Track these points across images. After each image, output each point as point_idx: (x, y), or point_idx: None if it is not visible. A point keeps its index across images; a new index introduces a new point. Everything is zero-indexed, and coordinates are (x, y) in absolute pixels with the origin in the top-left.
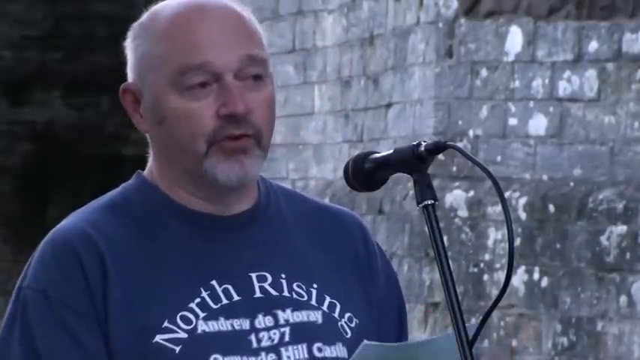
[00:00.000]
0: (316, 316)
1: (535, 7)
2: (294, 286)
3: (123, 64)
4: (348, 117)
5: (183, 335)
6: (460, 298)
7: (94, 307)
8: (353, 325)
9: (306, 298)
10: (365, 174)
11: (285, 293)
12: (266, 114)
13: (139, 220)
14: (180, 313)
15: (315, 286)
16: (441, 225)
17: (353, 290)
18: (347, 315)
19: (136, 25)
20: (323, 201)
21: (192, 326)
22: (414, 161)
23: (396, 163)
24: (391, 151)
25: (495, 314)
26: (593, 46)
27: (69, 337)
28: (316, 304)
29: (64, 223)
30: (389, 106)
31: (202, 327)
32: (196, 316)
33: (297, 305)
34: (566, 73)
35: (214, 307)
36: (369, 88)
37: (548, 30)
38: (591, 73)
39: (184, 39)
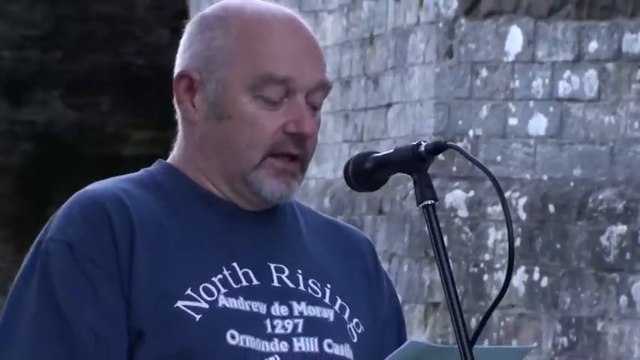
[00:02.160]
0: (328, 314)
1: (535, 7)
2: (310, 282)
3: (123, 64)
4: (348, 117)
5: (205, 305)
6: (460, 298)
7: (119, 266)
8: (360, 330)
9: (320, 295)
10: (365, 174)
11: (301, 287)
12: (315, 140)
13: (166, 197)
14: (203, 284)
15: (328, 286)
16: (441, 225)
17: (361, 300)
18: (355, 320)
19: (208, 15)
20: (333, 218)
21: (213, 298)
22: (414, 161)
23: (396, 163)
24: (391, 151)
25: (495, 314)
26: (593, 46)
27: (91, 292)
28: (329, 303)
29: (90, 186)
30: (389, 106)
31: (223, 301)
32: (218, 290)
33: (312, 300)
34: (566, 73)
35: (235, 286)
36: (369, 88)
37: (548, 30)
38: (591, 73)
39: (272, 47)
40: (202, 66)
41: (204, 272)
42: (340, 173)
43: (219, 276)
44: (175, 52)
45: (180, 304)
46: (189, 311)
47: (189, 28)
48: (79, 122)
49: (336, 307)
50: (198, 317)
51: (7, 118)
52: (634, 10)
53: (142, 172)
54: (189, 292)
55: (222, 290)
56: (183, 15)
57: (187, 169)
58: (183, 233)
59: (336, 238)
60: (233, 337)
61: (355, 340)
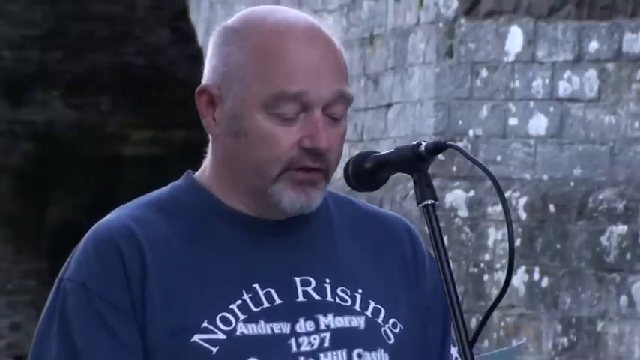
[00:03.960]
0: (359, 322)
1: (535, 7)
2: (339, 290)
3: (123, 64)
4: (348, 117)
5: (222, 336)
6: (460, 298)
7: (132, 302)
8: (397, 330)
9: (349, 303)
10: (365, 174)
11: (329, 298)
12: (339, 150)
13: (185, 219)
14: (220, 314)
15: (359, 291)
16: (441, 225)
17: (399, 296)
18: (391, 320)
19: (228, 28)
20: (373, 206)
21: (231, 327)
22: (414, 161)
23: (396, 163)
24: (391, 151)
25: (495, 314)
26: (593, 46)
27: (106, 332)
28: (360, 309)
29: (108, 217)
30: (389, 106)
31: (241, 329)
32: (236, 317)
33: (340, 310)
34: (566, 73)
35: (255, 309)
36: (369, 88)
37: (548, 30)
38: (591, 73)
39: (284, 64)
40: (220, 80)
41: (221, 300)
42: (340, 173)
43: (239, 301)
44: (175, 52)
45: (196, 337)
46: (205, 344)
47: (212, 39)
48: (79, 122)
49: (369, 312)
50: (214, 350)
51: (7, 118)
52: (634, 10)
53: (168, 188)
54: (205, 324)
55: (241, 317)
56: (183, 15)
57: (212, 183)
58: (201, 258)
59: (371, 231)
60: None
61: (392, 342)
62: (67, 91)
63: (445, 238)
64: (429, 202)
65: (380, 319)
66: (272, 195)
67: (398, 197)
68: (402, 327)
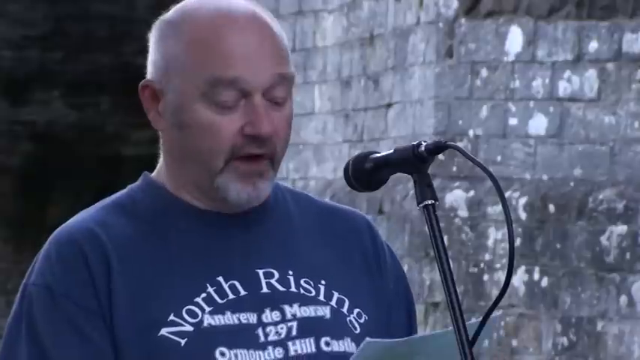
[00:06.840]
0: (324, 311)
1: (535, 7)
2: (302, 282)
3: (123, 64)
4: (348, 117)
5: (189, 328)
6: (460, 298)
7: (99, 301)
8: (362, 320)
9: (313, 293)
10: (365, 174)
11: (293, 289)
12: (285, 134)
13: (145, 218)
14: (186, 307)
15: (323, 282)
16: (441, 225)
17: (362, 287)
18: (356, 311)
19: (164, 21)
20: (330, 202)
21: (198, 319)
22: (414, 161)
23: (396, 163)
24: (391, 151)
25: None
26: (593, 46)
27: (74, 333)
28: (324, 300)
29: (69, 221)
30: (389, 106)
31: (208, 320)
32: (202, 310)
33: (305, 300)
34: (566, 73)
35: (220, 301)
36: (369, 88)
37: (549, 30)
38: (591, 73)
39: (219, 50)
40: (161, 75)
41: (186, 294)
42: (340, 173)
43: (203, 294)
44: None
45: (164, 331)
46: (173, 337)
47: (151, 34)
48: (79, 122)
49: (333, 303)
50: (183, 342)
51: (7, 118)
52: (634, 10)
53: (126, 190)
54: (172, 317)
55: (207, 309)
56: None
57: (167, 180)
58: (163, 254)
59: (332, 225)
60: (223, 354)
61: (358, 331)
62: (67, 91)
63: (445, 238)
64: (429, 202)
65: (345, 309)
66: (219, 187)
67: (398, 197)
68: (366, 317)
